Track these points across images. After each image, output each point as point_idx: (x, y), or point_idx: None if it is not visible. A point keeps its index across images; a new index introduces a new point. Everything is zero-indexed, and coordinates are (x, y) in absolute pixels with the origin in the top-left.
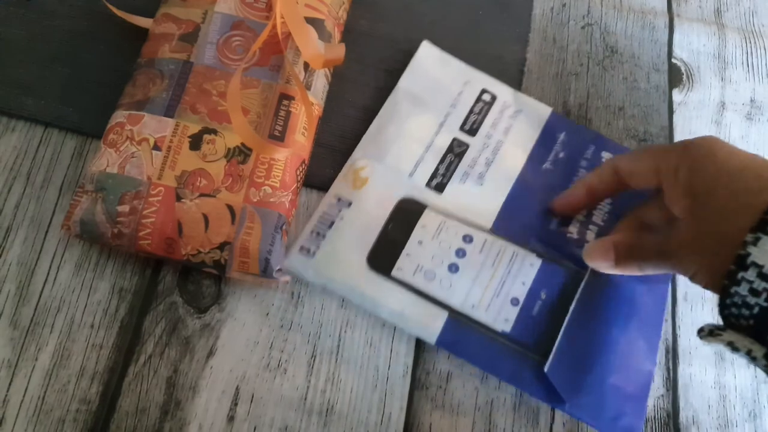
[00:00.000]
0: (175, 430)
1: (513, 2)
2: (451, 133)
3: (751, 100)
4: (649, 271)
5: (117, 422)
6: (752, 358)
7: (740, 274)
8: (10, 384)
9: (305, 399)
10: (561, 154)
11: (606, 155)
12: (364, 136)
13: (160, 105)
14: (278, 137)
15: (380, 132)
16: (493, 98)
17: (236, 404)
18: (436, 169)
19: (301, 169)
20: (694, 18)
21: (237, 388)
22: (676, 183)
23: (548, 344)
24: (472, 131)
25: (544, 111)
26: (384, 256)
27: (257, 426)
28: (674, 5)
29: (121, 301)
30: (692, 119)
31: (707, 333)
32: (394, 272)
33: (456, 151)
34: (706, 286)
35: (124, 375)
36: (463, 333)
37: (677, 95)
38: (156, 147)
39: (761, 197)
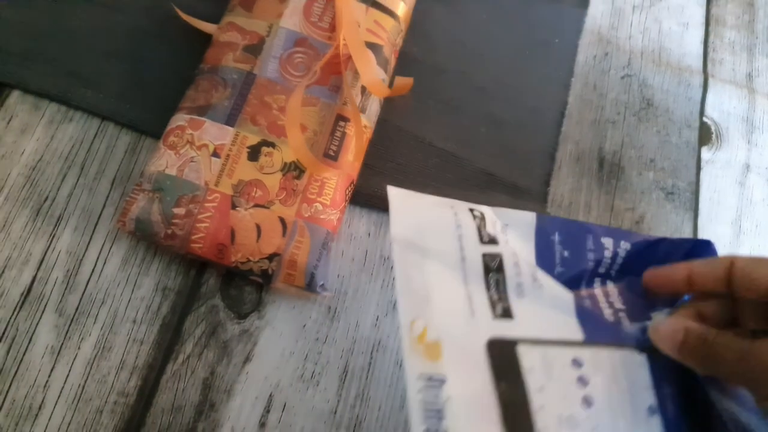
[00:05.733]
0: (208, 430)
1: (558, 46)
2: (476, 251)
3: None
4: (711, 373)
5: (153, 417)
6: None
7: None
8: (52, 369)
9: (335, 412)
10: (565, 253)
11: (606, 240)
12: (399, 299)
13: (222, 113)
14: (332, 156)
15: (410, 292)
16: (482, 215)
17: (268, 411)
18: (490, 296)
19: (349, 189)
20: (727, 80)
21: (270, 396)
22: None
23: None
24: (493, 240)
25: (529, 218)
26: (521, 424)
27: None
28: (709, 65)
29: (164, 299)
30: (718, 178)
31: None
32: None
33: (493, 266)
34: None
35: (162, 372)
36: None
37: (706, 153)
38: (215, 154)
39: None
